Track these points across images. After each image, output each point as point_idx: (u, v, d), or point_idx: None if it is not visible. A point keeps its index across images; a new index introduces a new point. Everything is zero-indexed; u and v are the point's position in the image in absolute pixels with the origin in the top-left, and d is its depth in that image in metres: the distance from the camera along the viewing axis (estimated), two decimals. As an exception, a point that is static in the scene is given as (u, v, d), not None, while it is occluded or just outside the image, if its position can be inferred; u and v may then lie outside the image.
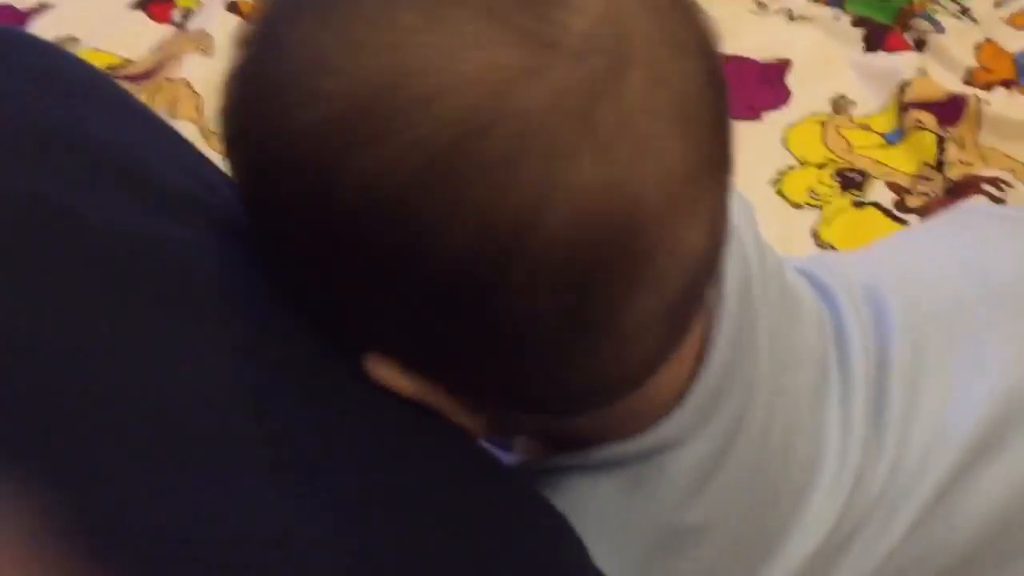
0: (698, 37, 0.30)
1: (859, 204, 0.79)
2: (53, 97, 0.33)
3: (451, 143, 0.26)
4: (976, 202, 0.75)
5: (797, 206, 0.79)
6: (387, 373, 0.31)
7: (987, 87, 0.88)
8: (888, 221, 0.77)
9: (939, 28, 0.93)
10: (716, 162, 0.30)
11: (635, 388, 0.34)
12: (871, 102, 0.88)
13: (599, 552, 0.34)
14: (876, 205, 0.78)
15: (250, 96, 0.30)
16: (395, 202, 0.27)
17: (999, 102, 0.85)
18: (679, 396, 0.35)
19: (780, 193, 0.80)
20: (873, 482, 0.40)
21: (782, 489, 0.39)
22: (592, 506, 0.36)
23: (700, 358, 0.36)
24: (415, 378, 0.31)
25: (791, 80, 0.91)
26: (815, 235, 0.76)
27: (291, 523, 0.26)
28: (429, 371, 0.31)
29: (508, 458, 0.42)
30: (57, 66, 0.35)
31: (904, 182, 0.80)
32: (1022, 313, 0.45)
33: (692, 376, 0.35)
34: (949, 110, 0.84)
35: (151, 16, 0.97)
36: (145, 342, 0.27)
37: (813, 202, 0.79)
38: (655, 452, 0.36)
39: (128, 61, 0.88)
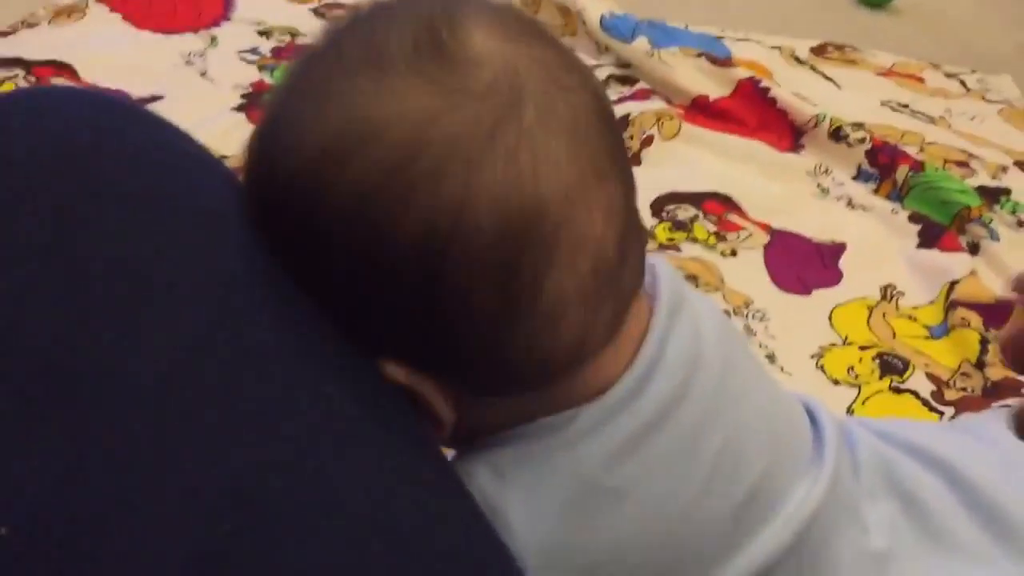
0: (583, 83, 0.39)
1: (897, 390, 0.80)
2: (169, 168, 0.37)
3: (394, 164, 0.35)
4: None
5: (836, 382, 0.80)
6: (391, 369, 0.38)
7: (1036, 298, 0.89)
8: (924, 410, 0.78)
9: (994, 236, 0.96)
10: (604, 171, 0.38)
11: (572, 366, 0.39)
12: (919, 295, 0.90)
13: (519, 506, 0.39)
14: (914, 393, 0.79)
15: (259, 153, 0.39)
16: (360, 213, 0.36)
17: (1047, 313, 0.87)
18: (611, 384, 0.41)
19: (820, 367, 0.82)
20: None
21: (714, 498, 0.41)
22: (521, 463, 0.40)
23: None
24: (407, 371, 0.38)
25: (844, 263, 0.94)
26: (849, 412, 0.77)
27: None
28: (415, 362, 0.38)
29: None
30: (170, 140, 0.39)
31: (944, 375, 0.81)
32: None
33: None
34: (996, 313, 0.85)
35: (250, 119, 1.05)
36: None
37: (852, 381, 0.81)
38: (582, 423, 0.40)
39: (224, 157, 0.95)
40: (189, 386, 0.32)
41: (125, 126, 0.38)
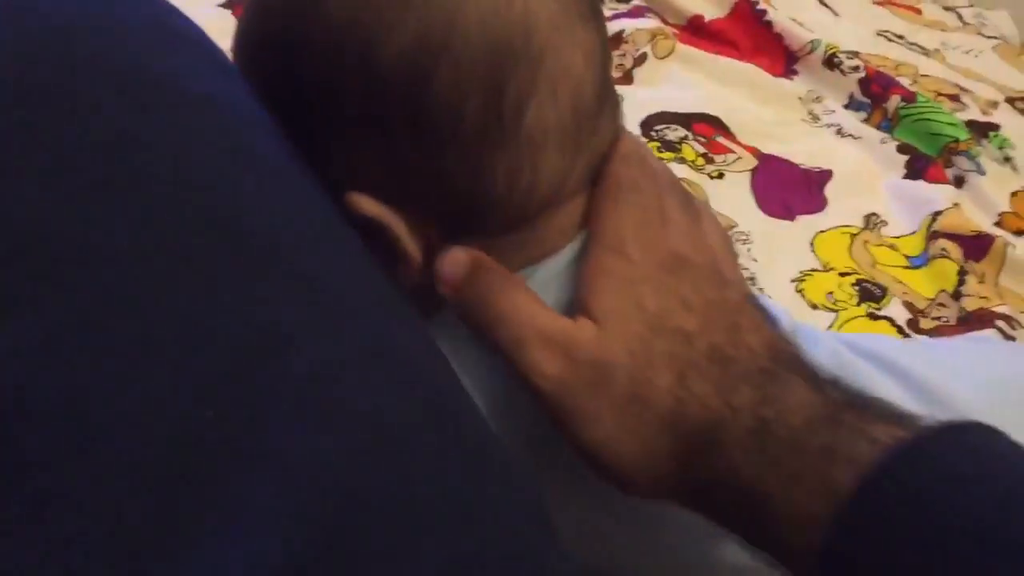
0: None
1: (873, 316, 0.81)
2: (159, 45, 0.36)
3: None
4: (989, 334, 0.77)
5: (814, 306, 0.81)
6: (361, 200, 0.39)
7: (1016, 233, 0.90)
8: (898, 337, 0.79)
9: (980, 170, 0.96)
10: (586, 15, 0.40)
11: (547, 209, 0.40)
12: (902, 225, 0.90)
13: (474, 363, 0.39)
14: (890, 320, 0.80)
15: None
16: (355, 21, 0.37)
17: (1025, 248, 0.88)
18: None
19: (800, 292, 0.83)
20: None
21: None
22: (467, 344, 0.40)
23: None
24: (378, 204, 0.39)
25: (830, 190, 0.94)
26: (826, 335, 0.78)
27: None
28: (384, 190, 0.39)
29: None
30: (164, 16, 0.38)
31: (920, 304, 0.82)
32: None
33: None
34: (976, 245, 0.86)
35: (235, 15, 1.03)
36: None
37: (830, 306, 0.81)
38: (537, 278, 0.41)
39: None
40: (174, 266, 0.31)
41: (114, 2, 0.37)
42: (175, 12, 0.39)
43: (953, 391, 0.48)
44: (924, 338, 0.77)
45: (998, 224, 0.90)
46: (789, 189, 0.94)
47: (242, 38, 0.43)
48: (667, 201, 0.40)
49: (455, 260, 0.39)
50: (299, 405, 0.30)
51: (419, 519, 0.30)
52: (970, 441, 0.33)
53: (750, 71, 1.08)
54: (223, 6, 1.04)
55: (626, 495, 0.38)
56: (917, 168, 0.96)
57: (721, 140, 0.98)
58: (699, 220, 0.41)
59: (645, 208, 0.40)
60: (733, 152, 0.97)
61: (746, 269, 0.84)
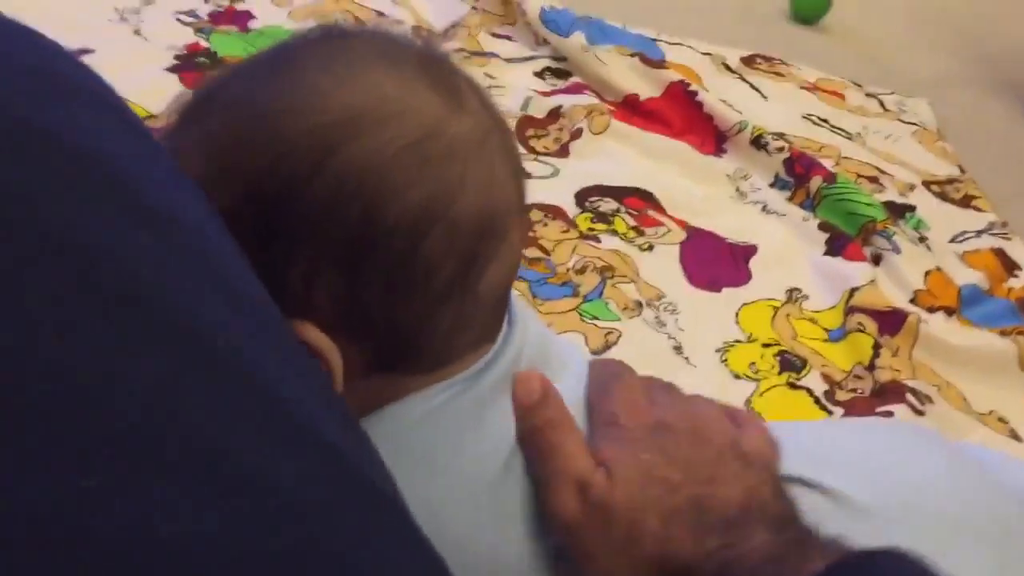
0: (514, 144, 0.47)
1: (793, 386, 0.84)
2: (42, 95, 0.32)
3: (417, 139, 0.41)
4: (899, 410, 0.80)
5: (737, 376, 0.84)
6: (307, 329, 0.41)
7: (929, 310, 0.94)
8: (815, 408, 0.82)
9: (896, 249, 1.00)
10: (522, 209, 0.47)
11: (465, 353, 0.45)
12: (821, 299, 0.94)
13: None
14: (808, 390, 0.83)
15: (250, 107, 0.42)
16: (375, 176, 0.40)
17: (937, 324, 0.92)
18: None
19: (724, 362, 0.85)
20: None
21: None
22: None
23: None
24: (323, 335, 0.41)
25: (754, 264, 0.98)
26: (747, 404, 0.81)
27: None
28: (331, 320, 0.41)
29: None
30: (52, 66, 0.34)
31: (837, 376, 0.85)
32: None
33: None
34: (890, 321, 0.90)
35: (182, 81, 1.05)
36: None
37: (752, 375, 0.84)
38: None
39: (153, 116, 0.94)
40: (46, 322, 0.27)
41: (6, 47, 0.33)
42: (71, 61, 0.35)
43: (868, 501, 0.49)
44: (839, 422, 0.79)
45: (912, 301, 0.94)
46: (716, 262, 0.97)
47: (226, 141, 0.42)
48: (650, 387, 0.48)
49: (530, 386, 0.45)
50: (185, 473, 0.27)
51: None
52: (876, 569, 0.38)
53: (681, 148, 1.12)
54: (170, 70, 1.06)
55: None
56: (837, 246, 1.01)
57: (652, 214, 1.02)
58: (685, 401, 0.48)
59: (631, 392, 0.47)
60: (663, 225, 1.00)
61: (673, 339, 0.87)
